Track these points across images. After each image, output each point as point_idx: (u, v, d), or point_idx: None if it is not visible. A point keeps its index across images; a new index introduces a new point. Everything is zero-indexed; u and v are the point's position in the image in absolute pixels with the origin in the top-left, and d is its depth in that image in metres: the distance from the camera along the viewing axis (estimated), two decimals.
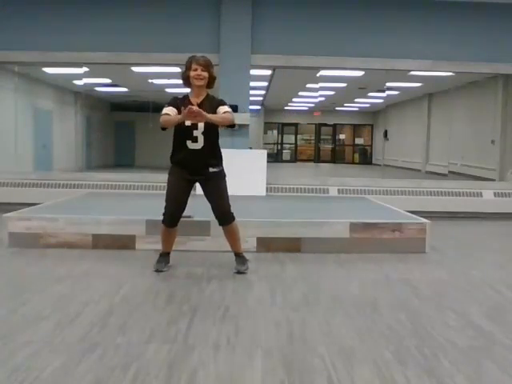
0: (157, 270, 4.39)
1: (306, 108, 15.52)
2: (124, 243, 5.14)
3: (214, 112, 4.15)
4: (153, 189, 8.01)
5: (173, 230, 4.45)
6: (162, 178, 8.16)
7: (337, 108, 15.29)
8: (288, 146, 16.20)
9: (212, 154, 4.30)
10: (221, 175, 4.35)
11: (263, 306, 3.58)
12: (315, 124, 15.62)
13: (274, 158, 15.28)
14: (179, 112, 4.08)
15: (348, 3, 7.96)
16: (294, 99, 14.68)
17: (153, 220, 5.22)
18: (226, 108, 4.20)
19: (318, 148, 15.90)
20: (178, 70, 9.49)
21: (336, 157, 15.77)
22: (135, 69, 9.44)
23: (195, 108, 3.94)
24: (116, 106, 13.83)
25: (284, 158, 15.95)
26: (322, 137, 16.03)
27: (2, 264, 4.70)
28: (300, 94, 13.79)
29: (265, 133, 15.28)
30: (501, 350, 2.85)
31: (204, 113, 3.96)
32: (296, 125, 16.07)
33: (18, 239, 5.17)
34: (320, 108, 14.57)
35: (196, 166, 4.27)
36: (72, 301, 3.57)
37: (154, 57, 8.01)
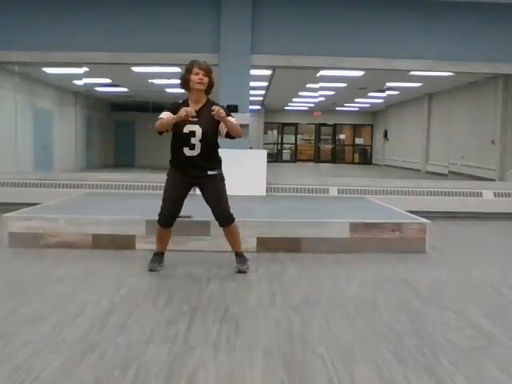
0: (151, 270, 4.39)
1: (306, 108, 15.53)
2: (124, 243, 5.14)
3: (215, 120, 4.09)
4: (153, 189, 8.01)
5: (168, 231, 4.45)
6: (162, 178, 8.21)
7: (337, 108, 15.30)
8: (288, 146, 16.21)
9: (209, 160, 4.29)
10: (219, 178, 4.34)
11: (263, 306, 3.58)
12: (315, 124, 15.63)
13: (274, 157, 15.28)
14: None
15: (348, 3, 7.95)
16: (294, 99, 14.68)
17: (153, 220, 5.20)
18: (233, 119, 4.16)
19: (318, 148, 15.90)
20: (178, 70, 9.50)
21: (336, 157, 15.78)
22: (135, 69, 9.44)
23: (217, 109, 3.95)
24: (116, 105, 13.82)
25: (284, 158, 15.96)
26: (322, 137, 16.05)
27: (2, 264, 4.70)
28: (300, 94, 13.79)
29: (265, 133, 15.29)
30: (501, 350, 2.85)
31: (224, 116, 3.98)
32: (296, 125, 16.08)
33: (18, 239, 5.17)
34: (320, 108, 14.58)
35: (194, 172, 4.28)
36: (72, 301, 3.57)
37: (154, 57, 8.01)
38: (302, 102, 14.97)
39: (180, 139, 4.20)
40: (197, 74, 4.15)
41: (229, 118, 4.13)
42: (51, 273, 4.29)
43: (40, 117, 10.61)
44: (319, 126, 15.64)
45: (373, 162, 14.41)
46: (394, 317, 3.37)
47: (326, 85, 11.41)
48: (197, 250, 5.08)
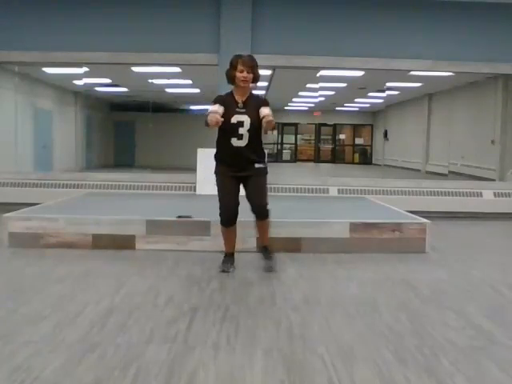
0: (223, 271, 4.39)
1: (305, 108, 15.52)
2: (124, 243, 5.14)
3: (258, 110, 4.17)
4: (153, 189, 8.01)
5: (232, 229, 4.45)
6: (163, 178, 8.25)
7: (337, 108, 15.29)
8: (288, 146, 16.20)
9: (256, 150, 4.34)
10: (264, 171, 4.42)
11: (263, 306, 3.58)
12: (315, 124, 15.62)
13: (274, 158, 15.27)
14: (225, 109, 4.13)
15: (348, 3, 7.95)
16: (294, 99, 14.67)
17: (153, 220, 5.23)
18: (267, 110, 4.18)
19: (318, 148, 15.89)
20: (178, 70, 9.53)
21: (336, 157, 15.77)
22: (135, 69, 9.44)
23: (269, 119, 4.01)
24: (116, 105, 13.84)
25: (284, 158, 15.94)
26: (322, 137, 16.03)
27: (2, 264, 4.70)
28: (300, 94, 13.78)
29: (265, 133, 15.27)
30: (501, 350, 2.85)
31: (272, 120, 4.03)
32: (296, 125, 16.07)
33: (18, 239, 5.17)
34: (320, 108, 14.57)
35: (241, 163, 4.30)
36: (72, 301, 3.57)
37: (154, 57, 8.00)
38: (301, 101, 14.96)
39: (228, 129, 4.22)
40: (241, 71, 4.17)
41: (263, 108, 4.18)
42: (51, 273, 4.29)
43: (40, 117, 10.61)
44: (319, 125, 15.63)
45: (373, 162, 14.41)
46: (394, 317, 3.37)
47: (325, 85, 11.40)
48: (197, 250, 5.08)
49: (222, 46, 7.83)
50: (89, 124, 12.14)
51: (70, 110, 11.71)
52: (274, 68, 8.86)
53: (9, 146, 8.97)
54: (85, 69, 8.94)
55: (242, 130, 4.22)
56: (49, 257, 4.86)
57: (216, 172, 4.41)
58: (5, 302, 3.53)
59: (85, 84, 9.64)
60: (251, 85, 4.25)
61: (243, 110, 4.21)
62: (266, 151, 8.38)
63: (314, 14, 7.97)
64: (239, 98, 4.26)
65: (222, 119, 4.06)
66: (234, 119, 4.20)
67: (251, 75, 4.20)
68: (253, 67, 4.21)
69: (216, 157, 4.42)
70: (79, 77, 9.30)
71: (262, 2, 7.91)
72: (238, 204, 4.37)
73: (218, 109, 4.13)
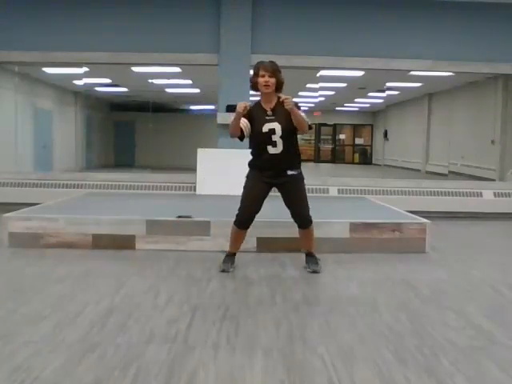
0: (223, 271, 4.39)
1: (305, 108, 15.52)
2: (124, 243, 5.14)
3: (288, 115, 4.14)
4: (153, 189, 8.00)
5: (243, 232, 4.45)
6: (163, 178, 8.24)
7: (337, 108, 15.29)
8: None
9: (291, 157, 4.32)
10: (299, 178, 4.37)
11: (263, 306, 3.58)
12: (315, 124, 15.61)
13: None
14: (250, 121, 4.17)
15: (348, 3, 7.95)
16: (293, 99, 14.67)
17: (153, 220, 5.23)
18: (302, 114, 4.19)
19: (317, 148, 15.89)
20: (178, 70, 9.53)
21: (336, 157, 15.76)
22: (135, 69, 9.44)
23: (287, 99, 4.02)
24: (116, 105, 13.83)
25: None
26: (321, 137, 16.02)
27: (2, 264, 4.70)
28: (300, 94, 13.78)
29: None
30: (501, 350, 2.85)
31: (293, 103, 4.05)
32: None
33: (18, 239, 5.17)
34: (320, 108, 14.56)
35: (276, 170, 4.28)
36: (72, 301, 3.57)
37: (154, 57, 8.00)
38: (301, 101, 14.97)
39: (261, 139, 4.22)
40: (263, 76, 4.16)
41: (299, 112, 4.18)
42: (51, 273, 4.29)
43: (40, 117, 10.61)
44: (319, 126, 15.62)
45: (373, 162, 14.40)
46: (394, 317, 3.37)
47: (325, 85, 11.40)
48: (197, 250, 5.08)
49: (222, 46, 7.83)
50: (89, 124, 12.14)
51: (70, 110, 11.71)
52: None
53: (9, 146, 8.97)
54: (85, 69, 8.94)
55: (275, 138, 4.20)
56: (49, 257, 4.86)
57: (247, 176, 4.42)
58: (5, 302, 3.53)
59: (85, 84, 9.64)
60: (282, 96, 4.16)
61: (273, 118, 4.20)
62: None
63: (314, 14, 7.98)
64: (267, 106, 4.24)
65: (250, 104, 4.08)
66: (266, 128, 4.19)
67: (273, 79, 4.18)
68: (274, 72, 4.19)
69: (250, 164, 4.42)
70: (79, 77, 9.30)
71: (262, 1, 7.91)
72: (258, 211, 4.38)
73: (242, 123, 4.15)
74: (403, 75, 9.41)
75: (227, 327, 3.11)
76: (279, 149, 4.23)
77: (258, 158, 4.33)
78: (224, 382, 2.44)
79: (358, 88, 12.05)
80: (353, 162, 15.54)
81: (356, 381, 2.45)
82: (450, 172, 10.88)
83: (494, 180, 9.32)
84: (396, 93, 11.74)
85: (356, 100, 14.46)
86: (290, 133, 4.25)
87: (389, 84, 9.63)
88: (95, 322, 3.14)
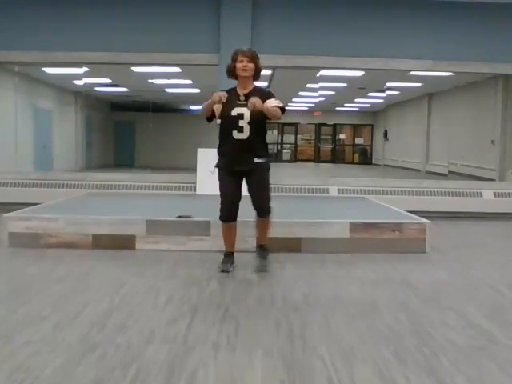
0: (223, 271, 4.38)
1: (305, 108, 15.52)
2: (124, 243, 5.14)
3: (261, 103, 4.13)
4: (153, 189, 8.01)
5: (232, 226, 4.43)
6: (163, 178, 8.24)
7: (337, 108, 15.29)
8: (288, 146, 16.19)
9: (257, 144, 4.32)
10: (266, 166, 4.38)
11: (263, 306, 3.57)
12: (315, 124, 15.61)
13: (274, 158, 15.27)
14: (224, 105, 4.15)
15: (348, 3, 7.95)
16: (294, 99, 14.67)
17: (153, 220, 5.22)
18: (274, 101, 4.18)
19: (317, 148, 15.89)
20: (178, 70, 9.52)
21: (336, 157, 15.76)
22: (135, 69, 9.44)
23: (254, 101, 3.99)
24: (116, 105, 13.83)
25: (284, 158, 15.93)
26: (322, 137, 16.02)
27: (2, 264, 4.70)
28: (300, 93, 13.78)
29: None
30: (501, 350, 2.85)
31: (261, 103, 4.01)
32: (296, 125, 16.06)
33: (18, 239, 5.17)
34: (320, 108, 14.57)
35: (242, 157, 4.27)
36: (72, 301, 3.57)
37: (154, 57, 8.01)
38: (302, 101, 14.96)
39: (228, 122, 4.23)
40: (241, 61, 4.20)
41: (271, 100, 4.16)
42: (51, 273, 4.29)
43: (40, 117, 10.61)
44: (319, 125, 15.62)
45: (373, 162, 14.40)
46: (394, 317, 3.37)
47: (325, 85, 11.40)
48: (197, 250, 5.08)
49: (222, 46, 7.83)
50: (89, 124, 12.13)
51: (70, 110, 11.71)
52: (274, 68, 8.85)
53: (9, 146, 8.97)
54: (85, 69, 8.94)
55: (242, 123, 4.21)
56: (49, 257, 4.86)
57: (218, 166, 4.41)
58: (5, 302, 3.53)
59: (85, 84, 9.63)
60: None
61: (244, 103, 4.20)
62: None
63: (314, 14, 7.97)
64: (241, 91, 4.27)
65: (226, 95, 4.07)
66: (235, 112, 4.21)
67: (252, 65, 4.21)
68: (253, 57, 4.23)
69: (218, 150, 4.42)
70: (79, 77, 9.30)
71: (262, 1, 7.91)
72: (238, 198, 4.36)
73: (221, 93, 4.13)
74: (403, 75, 9.41)
75: (227, 327, 3.11)
76: (245, 134, 4.23)
77: (224, 142, 4.34)
78: (224, 382, 2.44)
79: (357, 88, 12.04)
80: (353, 162, 15.54)
81: (356, 381, 2.45)
82: (449, 172, 10.87)
83: (494, 180, 9.32)
84: (396, 93, 11.73)
85: (356, 100, 14.46)
86: (258, 120, 4.24)
87: (389, 84, 9.63)
88: (95, 322, 3.14)
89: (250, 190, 4.36)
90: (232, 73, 4.29)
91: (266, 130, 4.43)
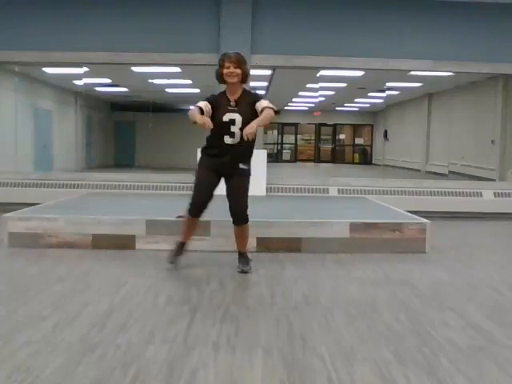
0: (171, 262, 4.41)
1: (306, 108, 15.52)
2: (124, 243, 5.14)
3: (251, 107, 4.18)
4: (153, 189, 8.01)
5: (196, 221, 4.43)
6: (162, 178, 8.24)
7: (337, 108, 15.29)
8: (288, 146, 16.19)
9: (246, 150, 4.33)
10: (247, 173, 4.38)
11: (263, 306, 3.58)
12: (315, 124, 15.61)
13: (274, 157, 15.26)
14: (212, 108, 4.14)
15: (348, 3, 7.95)
16: (294, 99, 14.67)
17: (153, 220, 5.22)
18: (264, 103, 4.18)
19: (317, 148, 15.88)
20: (178, 70, 9.52)
21: (336, 157, 15.75)
22: (135, 69, 9.44)
23: (249, 132, 3.97)
24: (116, 105, 13.83)
25: (284, 158, 15.93)
26: (322, 137, 16.02)
27: (2, 264, 4.70)
28: (300, 93, 13.79)
29: (265, 133, 15.27)
30: (501, 350, 2.85)
31: (255, 127, 3.99)
32: (296, 125, 16.06)
33: (18, 239, 5.17)
34: (320, 108, 14.56)
35: (229, 161, 4.28)
36: (72, 301, 3.57)
37: (154, 57, 8.01)
38: (302, 101, 14.96)
39: (220, 127, 4.22)
40: (228, 67, 4.20)
41: (258, 103, 4.16)
42: (51, 273, 4.30)
43: (40, 117, 10.60)
44: (319, 126, 15.62)
45: (373, 162, 14.40)
46: (394, 317, 3.37)
47: (325, 85, 11.40)
48: (197, 250, 5.08)
49: (221, 46, 7.82)
50: (89, 124, 12.13)
51: (70, 110, 11.70)
52: (274, 68, 8.85)
53: (9, 146, 8.96)
54: (85, 69, 8.93)
55: (233, 128, 4.22)
56: (49, 257, 4.86)
57: (199, 163, 4.42)
58: (5, 302, 3.53)
59: (85, 84, 9.63)
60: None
61: (235, 109, 4.22)
62: (266, 151, 8.42)
63: (314, 14, 7.98)
64: (231, 97, 4.27)
65: (211, 126, 4.05)
66: (226, 117, 4.21)
67: (238, 70, 4.21)
68: (239, 62, 4.22)
69: (204, 150, 4.43)
70: (79, 77, 9.29)
71: (262, 2, 7.91)
72: (211, 197, 4.36)
73: (204, 106, 4.13)
74: (403, 75, 9.41)
75: (227, 327, 3.11)
76: (236, 140, 4.24)
77: (214, 146, 4.34)
78: (224, 382, 2.44)
79: (357, 88, 12.04)
80: (353, 162, 15.53)
81: (356, 381, 2.45)
82: (450, 172, 10.87)
83: (494, 180, 9.32)
84: (396, 93, 11.73)
85: (356, 100, 14.46)
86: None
87: (389, 84, 9.63)
88: (95, 322, 3.14)
89: (228, 195, 4.36)
90: (220, 79, 4.30)
91: (255, 136, 4.39)
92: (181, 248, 4.50)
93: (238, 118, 4.21)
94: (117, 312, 3.36)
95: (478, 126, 11.04)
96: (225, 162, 4.29)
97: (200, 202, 4.35)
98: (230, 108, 4.23)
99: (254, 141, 4.33)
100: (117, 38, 7.87)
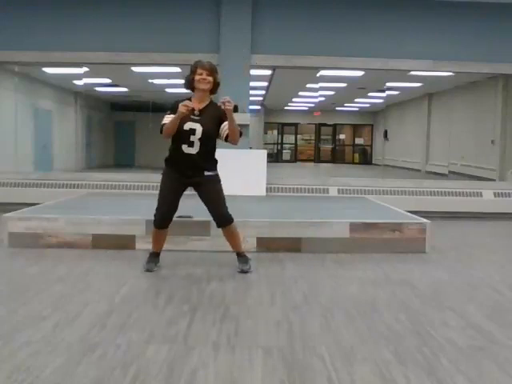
0: (147, 270, 4.39)
1: (306, 108, 15.52)
2: (124, 243, 5.14)
3: (216, 121, 4.17)
4: (153, 189, 7.99)
5: (163, 232, 4.45)
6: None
7: (337, 108, 15.29)
8: (288, 146, 16.20)
9: (206, 159, 4.30)
10: (215, 179, 4.34)
11: (263, 306, 3.58)
12: (315, 124, 15.61)
13: (274, 157, 15.27)
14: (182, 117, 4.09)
15: (348, 3, 7.96)
16: (294, 99, 14.68)
17: (152, 220, 5.21)
18: (225, 128, 4.17)
19: (317, 148, 15.89)
20: (177, 70, 9.52)
21: (336, 157, 15.76)
22: (135, 69, 9.44)
23: (227, 99, 3.97)
24: (116, 105, 13.82)
25: (284, 158, 15.94)
26: (322, 137, 16.02)
27: (2, 264, 4.70)
28: (300, 93, 13.78)
29: (265, 133, 15.27)
30: (501, 350, 2.85)
31: (231, 108, 3.99)
32: (296, 125, 16.07)
33: (18, 239, 5.16)
34: (320, 108, 14.57)
35: (189, 170, 4.27)
36: (72, 301, 3.57)
37: (154, 57, 8.01)
38: (302, 101, 14.97)
39: (179, 136, 4.20)
40: (200, 74, 4.18)
41: (226, 124, 4.16)
42: (51, 273, 4.29)
43: (40, 117, 10.60)
44: (319, 126, 15.62)
45: (373, 162, 14.40)
46: (394, 317, 3.37)
47: (325, 85, 11.40)
48: (197, 250, 5.08)
49: (221, 46, 7.84)
50: (89, 124, 12.13)
51: (70, 110, 11.70)
52: (274, 68, 8.85)
53: (9, 146, 8.96)
54: (85, 69, 8.93)
55: (193, 138, 4.19)
56: (49, 257, 4.86)
57: (163, 173, 4.41)
58: (5, 302, 3.53)
59: (85, 84, 9.63)
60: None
61: (198, 118, 4.18)
62: (266, 151, 8.43)
63: (314, 14, 7.98)
64: (196, 106, 4.20)
65: (191, 104, 4.04)
66: (187, 126, 4.17)
67: (211, 78, 4.19)
68: (212, 71, 4.20)
69: (166, 161, 4.40)
70: (79, 77, 9.30)
71: (262, 2, 7.91)
72: (175, 209, 4.37)
73: (187, 102, 4.10)
74: (403, 75, 9.41)
75: (227, 327, 3.11)
76: (195, 150, 4.21)
77: (173, 154, 4.32)
78: (224, 382, 2.44)
79: (357, 88, 12.04)
80: (353, 162, 15.53)
81: (356, 381, 2.45)
82: (450, 172, 10.87)
83: (494, 180, 9.32)
84: (396, 93, 11.74)
85: (356, 100, 14.46)
86: (209, 137, 4.23)
87: (389, 84, 9.63)
88: (95, 322, 3.14)
89: (204, 203, 4.36)
90: (190, 85, 4.27)
91: (215, 147, 4.37)
92: (154, 257, 4.49)
93: (198, 128, 4.17)
94: (117, 312, 3.36)
95: (477, 126, 11.04)
96: (186, 172, 4.27)
97: (164, 212, 4.36)
98: (192, 117, 4.17)
99: (213, 148, 4.32)
100: (117, 38, 7.87)
